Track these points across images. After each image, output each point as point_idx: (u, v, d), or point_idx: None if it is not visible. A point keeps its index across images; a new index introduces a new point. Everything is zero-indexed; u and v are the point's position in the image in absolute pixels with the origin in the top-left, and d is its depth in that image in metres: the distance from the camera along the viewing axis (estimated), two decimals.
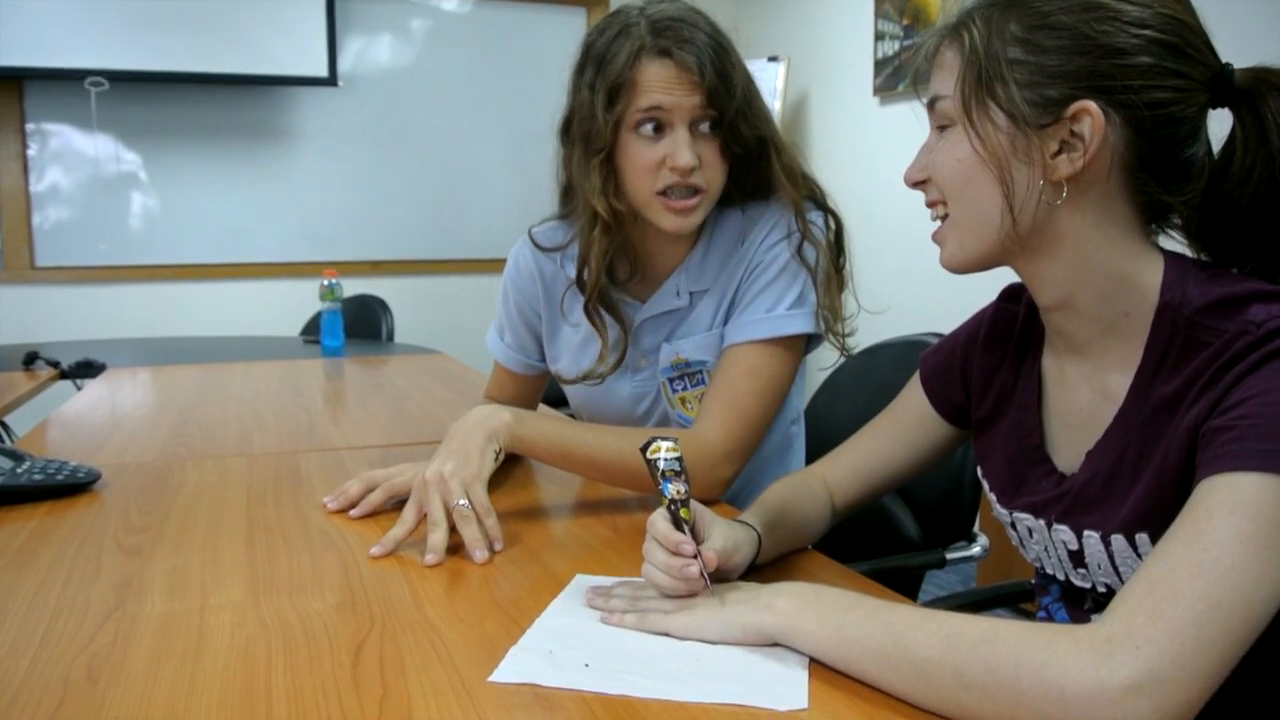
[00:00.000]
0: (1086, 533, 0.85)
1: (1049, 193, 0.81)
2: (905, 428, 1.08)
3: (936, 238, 0.90)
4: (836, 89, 4.06)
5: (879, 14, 3.77)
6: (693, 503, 0.87)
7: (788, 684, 0.73)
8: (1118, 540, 0.82)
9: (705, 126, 1.24)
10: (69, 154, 4.06)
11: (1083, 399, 0.89)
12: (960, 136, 0.84)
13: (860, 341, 1.37)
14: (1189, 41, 0.80)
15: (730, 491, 1.26)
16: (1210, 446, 0.72)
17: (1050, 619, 0.95)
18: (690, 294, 1.36)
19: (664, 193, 1.24)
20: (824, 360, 1.37)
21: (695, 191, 1.24)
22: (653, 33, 1.22)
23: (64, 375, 2.55)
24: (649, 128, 1.23)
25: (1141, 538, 0.81)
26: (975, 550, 1.43)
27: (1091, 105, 0.78)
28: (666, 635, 0.82)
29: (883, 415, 1.11)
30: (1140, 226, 0.84)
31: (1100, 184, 0.81)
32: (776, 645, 0.78)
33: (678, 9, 1.25)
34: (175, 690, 0.73)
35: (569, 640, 0.81)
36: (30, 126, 4.02)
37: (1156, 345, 0.81)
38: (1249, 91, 0.81)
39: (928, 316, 1.46)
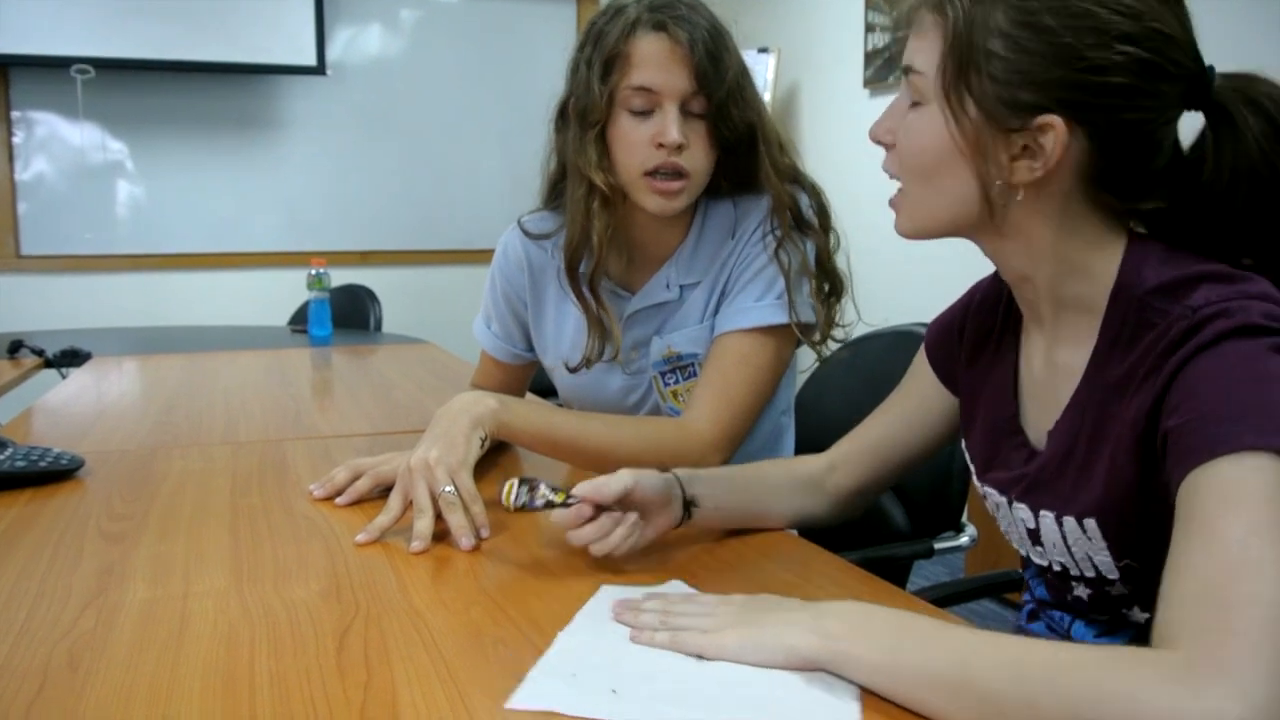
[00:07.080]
0: (1042, 512, 0.86)
1: (1003, 193, 0.80)
2: (913, 402, 1.08)
3: (893, 203, 0.89)
4: (827, 81, 4.05)
5: (869, 6, 3.76)
6: (574, 485, 0.93)
7: (838, 714, 0.66)
8: (1069, 522, 0.83)
9: (695, 107, 1.24)
10: (54, 142, 4.04)
11: (1044, 371, 0.89)
12: (930, 117, 0.81)
13: (849, 332, 1.36)
14: (1170, 58, 0.76)
15: None
16: (1175, 449, 0.70)
17: (1031, 595, 0.97)
18: (680, 287, 1.35)
19: (651, 174, 1.24)
20: (812, 351, 1.37)
21: (680, 175, 1.24)
22: (649, 8, 1.23)
23: (49, 364, 2.53)
24: (638, 104, 1.23)
25: (1089, 523, 0.81)
26: (963, 540, 1.43)
27: (1058, 121, 0.76)
28: (700, 657, 0.75)
29: (891, 395, 1.11)
30: (1101, 221, 0.82)
31: (1059, 190, 0.80)
32: (820, 670, 0.71)
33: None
34: (157, 676, 0.72)
35: (594, 661, 0.74)
36: (16, 114, 3.99)
37: (1110, 326, 0.81)
38: (1223, 104, 0.79)
39: (918, 307, 1.46)
